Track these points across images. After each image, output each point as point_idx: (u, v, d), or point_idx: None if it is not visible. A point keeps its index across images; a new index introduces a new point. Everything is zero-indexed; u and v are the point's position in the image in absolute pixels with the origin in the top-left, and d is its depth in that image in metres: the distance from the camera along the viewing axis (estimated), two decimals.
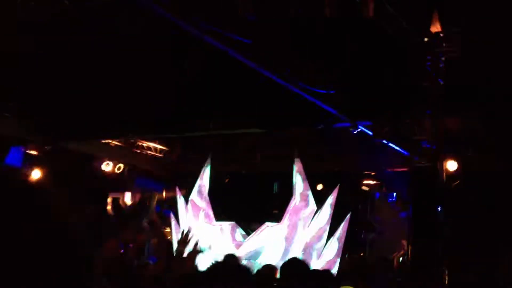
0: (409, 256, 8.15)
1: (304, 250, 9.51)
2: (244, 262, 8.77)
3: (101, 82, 8.04)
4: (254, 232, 9.94)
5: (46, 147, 10.34)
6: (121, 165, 12.02)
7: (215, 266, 4.28)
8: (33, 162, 10.88)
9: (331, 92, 7.39)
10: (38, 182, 9.98)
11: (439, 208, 7.90)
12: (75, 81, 8.08)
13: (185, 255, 4.23)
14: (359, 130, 8.45)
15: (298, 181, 9.74)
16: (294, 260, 5.38)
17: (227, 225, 10.46)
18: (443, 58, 7.12)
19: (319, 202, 9.74)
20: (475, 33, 6.52)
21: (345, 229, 9.64)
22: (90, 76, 7.88)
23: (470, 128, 7.93)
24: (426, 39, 6.97)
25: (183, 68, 7.46)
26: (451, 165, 8.43)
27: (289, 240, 9.59)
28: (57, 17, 6.10)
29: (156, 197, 12.87)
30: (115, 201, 12.35)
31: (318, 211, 9.67)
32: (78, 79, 8.04)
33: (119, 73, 7.73)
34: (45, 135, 10.33)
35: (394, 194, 10.94)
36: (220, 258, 6.31)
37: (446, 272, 7.32)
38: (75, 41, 6.93)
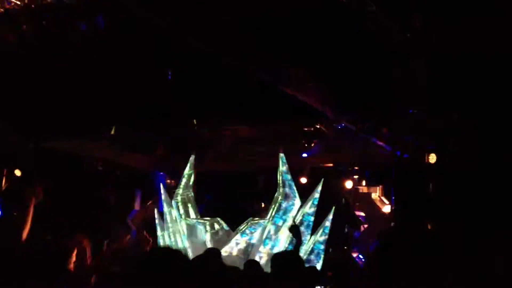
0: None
1: (289, 245, 9.53)
2: (229, 257, 8.77)
3: (83, 81, 7.96)
4: (238, 228, 9.93)
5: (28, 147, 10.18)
6: None
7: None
8: None
9: (314, 88, 7.42)
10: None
11: (422, 202, 7.99)
12: (55, 80, 7.98)
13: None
14: (342, 125, 8.50)
15: (283, 177, 9.75)
16: (284, 253, 5.36)
17: (211, 221, 10.44)
18: (426, 54, 7.17)
19: (304, 197, 9.77)
20: (458, 31, 6.58)
21: (329, 225, 9.68)
22: (72, 75, 7.80)
23: (452, 122, 8.02)
24: (409, 36, 7.01)
25: (166, 66, 7.43)
26: (433, 159, 8.49)
27: (273, 235, 9.60)
28: (37, 17, 6.03)
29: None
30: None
31: (303, 206, 9.70)
32: (58, 78, 7.94)
33: (101, 72, 7.66)
34: (24, 135, 10.17)
35: (378, 188, 11.05)
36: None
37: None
38: (54, 40, 6.84)
